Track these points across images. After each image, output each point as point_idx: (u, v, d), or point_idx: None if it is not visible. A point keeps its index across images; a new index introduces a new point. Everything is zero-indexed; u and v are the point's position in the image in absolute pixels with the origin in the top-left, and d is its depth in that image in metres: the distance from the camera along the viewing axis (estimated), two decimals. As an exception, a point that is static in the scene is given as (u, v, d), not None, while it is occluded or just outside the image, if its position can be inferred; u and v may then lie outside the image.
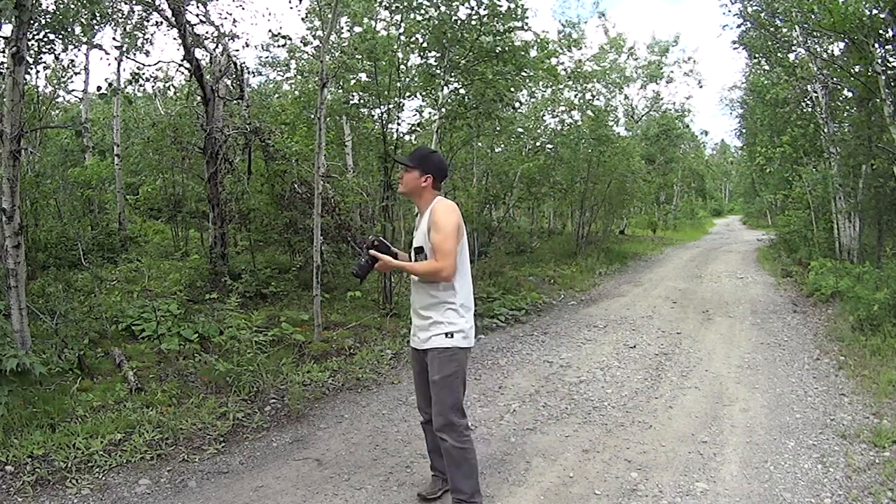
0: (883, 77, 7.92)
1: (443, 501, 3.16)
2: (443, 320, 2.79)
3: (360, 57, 7.82)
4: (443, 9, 7.54)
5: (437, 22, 7.52)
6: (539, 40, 9.73)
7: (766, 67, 13.99)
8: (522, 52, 8.32)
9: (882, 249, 9.76)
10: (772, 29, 11.31)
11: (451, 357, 2.78)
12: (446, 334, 2.77)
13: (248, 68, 9.33)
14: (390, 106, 7.94)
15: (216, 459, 3.70)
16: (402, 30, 8.00)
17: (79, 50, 9.10)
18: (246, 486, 3.37)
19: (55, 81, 9.92)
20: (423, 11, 7.72)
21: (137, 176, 14.36)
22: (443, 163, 2.94)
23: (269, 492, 3.30)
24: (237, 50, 13.12)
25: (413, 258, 2.91)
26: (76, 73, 10.55)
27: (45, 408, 3.98)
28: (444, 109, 8.10)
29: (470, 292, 2.88)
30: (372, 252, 2.83)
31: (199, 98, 8.34)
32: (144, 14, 8.40)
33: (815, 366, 5.63)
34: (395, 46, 7.94)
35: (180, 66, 8.79)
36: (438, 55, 7.96)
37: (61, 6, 5.14)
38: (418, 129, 9.22)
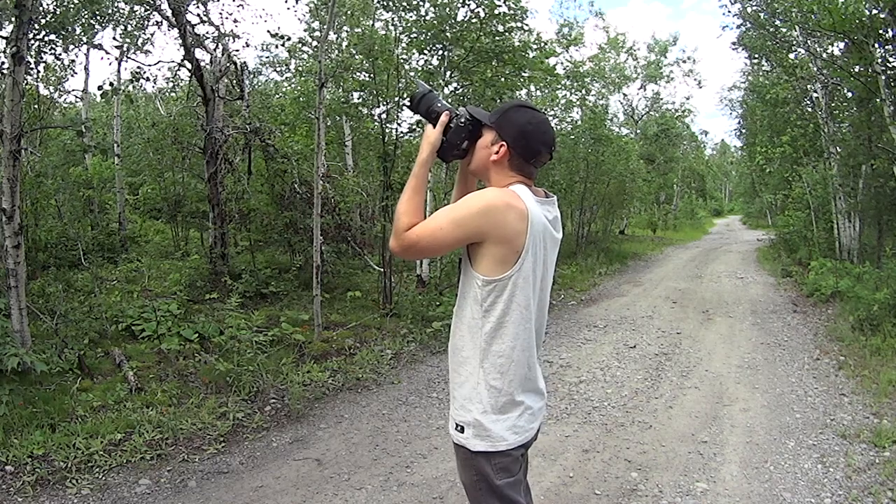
0: (883, 77, 7.93)
1: None
2: (455, 395, 1.71)
3: (359, 57, 7.83)
4: (440, 6, 7.55)
5: (436, 21, 7.54)
6: (538, 41, 9.74)
7: (766, 68, 14.00)
8: (522, 53, 8.33)
9: (882, 249, 9.76)
10: (771, 29, 11.32)
11: (465, 461, 1.69)
12: (457, 425, 1.68)
13: (248, 67, 9.33)
14: (389, 105, 7.95)
15: (216, 459, 3.70)
16: (399, 29, 8.01)
17: (79, 50, 9.11)
18: (246, 486, 3.37)
19: (55, 81, 9.93)
20: (419, 11, 7.73)
21: (138, 176, 14.37)
22: (534, 126, 1.68)
23: (269, 492, 3.30)
24: (237, 50, 13.11)
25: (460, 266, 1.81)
26: (75, 74, 10.58)
27: (45, 408, 3.98)
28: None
29: (523, 367, 1.67)
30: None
31: (199, 98, 8.34)
32: (145, 14, 8.40)
33: (815, 366, 5.63)
34: (394, 45, 7.95)
35: (180, 66, 8.79)
36: (439, 55, 7.97)
37: (61, 6, 5.14)
38: (419, 128, 9.22)
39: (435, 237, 1.60)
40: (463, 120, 1.71)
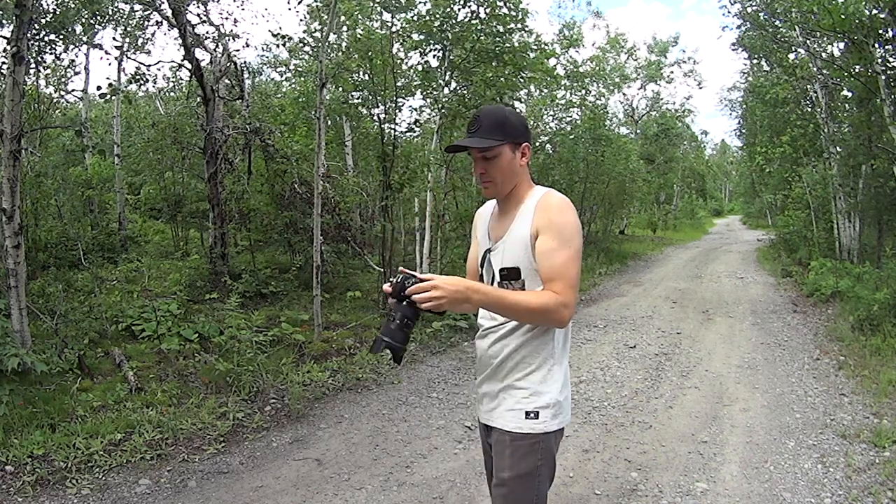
0: (883, 77, 7.93)
1: None
2: (523, 385, 1.72)
3: (357, 56, 7.83)
4: (439, 6, 7.55)
5: (436, 23, 7.54)
6: (538, 42, 9.75)
7: (766, 68, 14.00)
8: (522, 54, 8.33)
9: (882, 249, 9.75)
10: (771, 30, 11.32)
11: (531, 447, 1.71)
12: (527, 414, 1.70)
13: (248, 67, 9.34)
14: (388, 105, 7.95)
15: (216, 459, 3.70)
16: (397, 28, 8.01)
17: (79, 50, 9.12)
18: (246, 486, 3.37)
19: (56, 81, 9.94)
20: (415, 10, 7.74)
21: (138, 176, 14.36)
22: (524, 119, 1.82)
23: (269, 492, 3.30)
24: (237, 50, 13.12)
25: (495, 286, 1.75)
26: (77, 73, 10.57)
27: (45, 408, 3.98)
28: (444, 109, 8.11)
29: (569, 336, 1.82)
30: (412, 294, 1.54)
31: (199, 98, 8.35)
32: (145, 14, 8.41)
33: (815, 366, 5.63)
34: (391, 45, 7.95)
35: (180, 66, 8.80)
36: (438, 55, 7.98)
37: (61, 6, 5.14)
38: (416, 126, 9.22)
39: (578, 276, 1.68)
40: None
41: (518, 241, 1.71)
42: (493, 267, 1.78)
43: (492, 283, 1.77)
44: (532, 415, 1.70)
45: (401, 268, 1.66)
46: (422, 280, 1.56)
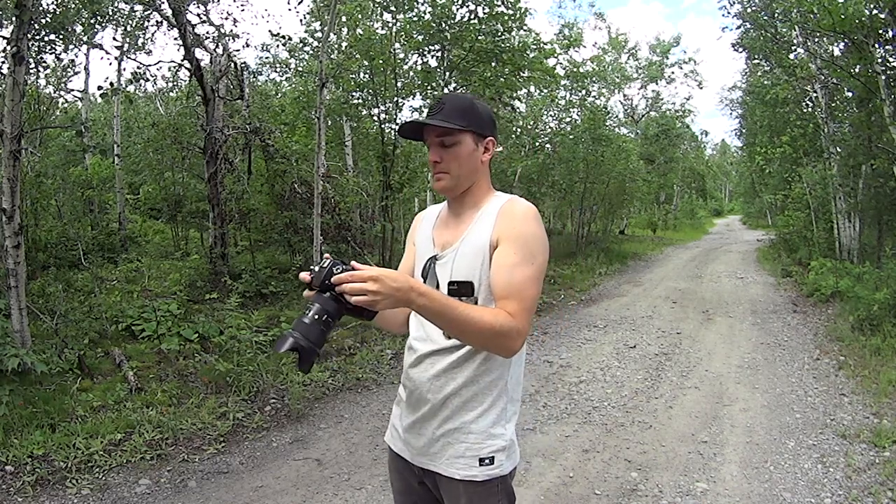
0: (883, 77, 7.93)
1: None
2: (474, 428, 1.46)
3: (357, 56, 7.84)
4: (438, 6, 7.56)
5: (434, 22, 7.54)
6: (537, 42, 9.75)
7: (766, 68, 14.00)
8: (521, 53, 8.34)
9: (882, 249, 9.76)
10: (771, 30, 11.32)
11: (491, 490, 1.49)
12: (481, 461, 1.46)
13: (248, 67, 9.34)
14: (388, 105, 7.95)
15: (216, 459, 3.70)
16: (397, 27, 8.02)
17: (79, 50, 9.12)
18: (246, 486, 3.37)
19: (56, 81, 9.94)
20: (415, 10, 7.75)
21: (138, 176, 14.36)
22: (491, 112, 1.58)
23: (269, 492, 3.30)
24: (237, 50, 13.14)
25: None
26: (77, 73, 10.59)
27: (45, 408, 3.98)
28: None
29: (522, 364, 1.57)
30: (342, 283, 1.23)
31: (199, 98, 8.35)
32: (145, 14, 8.41)
33: (815, 366, 5.63)
34: (392, 45, 7.95)
35: (180, 66, 8.80)
36: (438, 55, 7.98)
37: (61, 6, 5.14)
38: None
39: (537, 297, 1.43)
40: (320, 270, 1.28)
41: (474, 251, 1.44)
42: (440, 279, 1.48)
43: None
44: (487, 461, 1.45)
45: (327, 254, 1.38)
46: (356, 269, 1.24)
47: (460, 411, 1.46)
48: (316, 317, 1.23)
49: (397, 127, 8.02)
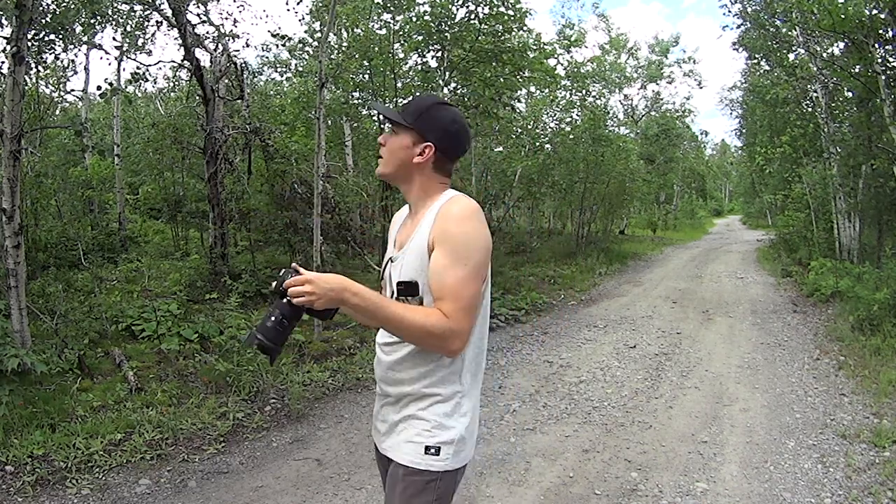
0: (883, 77, 7.93)
1: None
2: (426, 416, 1.52)
3: (357, 57, 7.84)
4: (438, 5, 7.56)
5: (434, 22, 7.54)
6: (537, 42, 9.75)
7: (766, 68, 14.01)
8: (521, 53, 8.34)
9: (882, 249, 9.76)
10: (772, 29, 11.33)
11: (426, 485, 1.52)
12: (427, 448, 1.51)
13: (248, 67, 9.35)
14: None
15: (216, 459, 3.70)
16: (397, 27, 8.02)
17: (79, 50, 9.12)
18: (246, 486, 3.37)
19: (56, 81, 9.94)
20: (415, 10, 7.75)
21: (137, 176, 14.36)
22: (458, 125, 1.57)
23: (269, 492, 3.30)
24: (237, 50, 13.14)
25: (392, 298, 1.57)
26: (76, 73, 10.59)
27: (45, 408, 3.98)
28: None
29: (482, 362, 1.61)
30: (289, 287, 1.41)
31: (199, 98, 8.35)
32: (145, 14, 8.41)
33: (815, 366, 5.63)
34: (391, 45, 7.95)
35: (180, 66, 8.80)
36: (438, 55, 7.98)
37: (61, 6, 5.14)
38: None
39: (476, 297, 1.45)
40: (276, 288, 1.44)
41: (416, 253, 1.49)
42: (392, 279, 1.56)
43: (391, 298, 1.55)
44: (432, 450, 1.50)
45: (294, 263, 1.51)
46: (298, 274, 1.41)
47: (416, 401, 1.54)
48: (273, 318, 1.41)
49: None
